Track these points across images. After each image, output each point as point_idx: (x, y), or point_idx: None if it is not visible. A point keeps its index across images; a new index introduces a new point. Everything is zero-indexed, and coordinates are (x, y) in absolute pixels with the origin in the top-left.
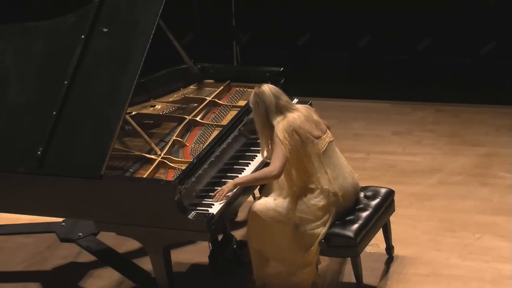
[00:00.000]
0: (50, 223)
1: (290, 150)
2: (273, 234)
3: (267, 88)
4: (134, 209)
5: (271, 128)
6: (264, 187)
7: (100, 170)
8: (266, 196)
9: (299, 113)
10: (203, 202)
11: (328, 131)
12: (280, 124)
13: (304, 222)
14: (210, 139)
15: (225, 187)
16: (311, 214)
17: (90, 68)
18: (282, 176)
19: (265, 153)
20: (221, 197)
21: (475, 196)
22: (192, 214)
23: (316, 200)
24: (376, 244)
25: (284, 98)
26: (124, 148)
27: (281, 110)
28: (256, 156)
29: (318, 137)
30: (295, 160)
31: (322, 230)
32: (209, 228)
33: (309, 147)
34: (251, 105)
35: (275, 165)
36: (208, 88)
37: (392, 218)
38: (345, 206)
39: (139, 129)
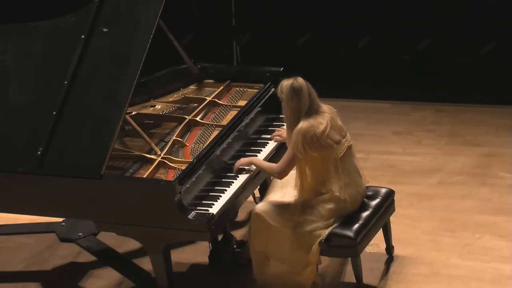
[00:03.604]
0: (50, 223)
1: (302, 155)
2: (275, 235)
3: (306, 86)
4: (134, 209)
5: (296, 123)
6: (265, 189)
7: (100, 170)
8: (267, 198)
9: (326, 118)
10: (203, 202)
11: (347, 135)
12: (302, 126)
13: (308, 222)
14: (210, 139)
15: (242, 160)
16: (317, 215)
17: (90, 68)
18: (288, 177)
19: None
20: (236, 168)
21: (475, 196)
22: (192, 214)
23: (324, 204)
24: (376, 244)
25: (317, 101)
26: (124, 148)
27: (311, 113)
28: (256, 156)
29: (338, 142)
30: (311, 162)
31: (323, 232)
32: (209, 228)
33: (328, 152)
34: (282, 95)
35: (281, 166)
36: (208, 88)
37: (392, 218)
38: (351, 211)
39: (139, 129)
